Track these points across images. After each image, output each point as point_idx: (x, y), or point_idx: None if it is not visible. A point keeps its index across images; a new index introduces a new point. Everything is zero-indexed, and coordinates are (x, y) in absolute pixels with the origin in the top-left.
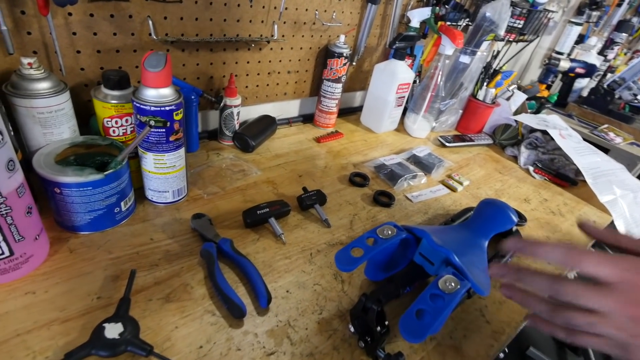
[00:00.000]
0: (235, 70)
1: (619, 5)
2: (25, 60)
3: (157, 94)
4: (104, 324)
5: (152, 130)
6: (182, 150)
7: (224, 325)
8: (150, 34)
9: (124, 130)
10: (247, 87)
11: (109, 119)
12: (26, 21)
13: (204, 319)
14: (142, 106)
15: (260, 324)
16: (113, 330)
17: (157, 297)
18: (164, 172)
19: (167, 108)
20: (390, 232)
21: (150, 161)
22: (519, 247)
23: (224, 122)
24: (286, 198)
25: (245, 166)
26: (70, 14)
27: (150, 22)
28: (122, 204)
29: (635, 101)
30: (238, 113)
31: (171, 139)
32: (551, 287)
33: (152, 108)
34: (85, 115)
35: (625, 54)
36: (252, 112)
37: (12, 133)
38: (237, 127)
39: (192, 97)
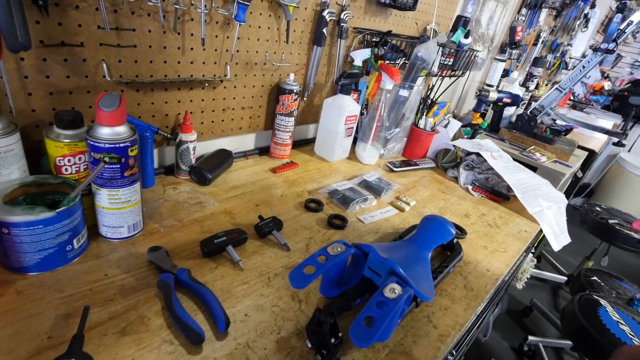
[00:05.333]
0: (190, 107)
1: (535, 44)
2: None
3: (111, 132)
4: None
5: (106, 166)
6: (137, 185)
7: (182, 353)
8: (104, 76)
9: (77, 169)
10: (202, 123)
11: (62, 158)
12: None
13: (161, 349)
14: (96, 144)
15: (219, 349)
16: None
17: (112, 332)
18: (118, 208)
19: (122, 145)
20: (340, 249)
21: (104, 197)
22: None
23: (180, 157)
24: (244, 227)
25: (203, 198)
26: (22, 59)
27: (104, 65)
28: (74, 241)
29: (554, 125)
30: (194, 148)
31: (126, 174)
32: None
33: (107, 145)
34: (35, 155)
35: (546, 85)
36: (209, 146)
37: None
38: (193, 161)
39: (147, 134)
